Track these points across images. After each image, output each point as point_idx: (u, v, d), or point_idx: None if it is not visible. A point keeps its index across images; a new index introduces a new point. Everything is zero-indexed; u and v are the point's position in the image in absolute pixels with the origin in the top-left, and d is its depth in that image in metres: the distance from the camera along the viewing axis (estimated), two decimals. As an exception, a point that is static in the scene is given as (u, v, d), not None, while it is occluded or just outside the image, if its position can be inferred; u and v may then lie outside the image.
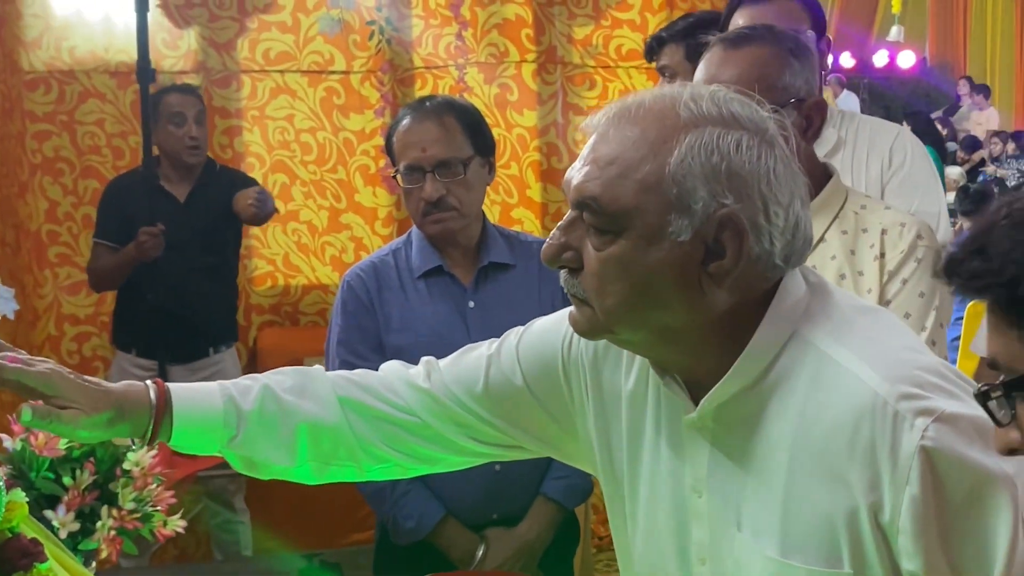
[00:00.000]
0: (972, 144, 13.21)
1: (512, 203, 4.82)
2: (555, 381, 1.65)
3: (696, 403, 1.45)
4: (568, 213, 1.43)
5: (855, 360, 1.36)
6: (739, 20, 2.68)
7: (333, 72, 4.69)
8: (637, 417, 1.56)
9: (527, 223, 4.75)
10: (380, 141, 4.64)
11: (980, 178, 11.94)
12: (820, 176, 2.20)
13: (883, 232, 2.16)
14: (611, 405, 1.60)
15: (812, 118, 2.14)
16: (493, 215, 4.56)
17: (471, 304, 2.66)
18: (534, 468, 2.67)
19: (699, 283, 1.37)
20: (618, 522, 1.65)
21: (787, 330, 1.40)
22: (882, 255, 2.14)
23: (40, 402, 1.50)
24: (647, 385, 1.55)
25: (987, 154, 12.81)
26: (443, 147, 2.60)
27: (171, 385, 1.63)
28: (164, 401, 1.60)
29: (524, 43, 4.73)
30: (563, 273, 1.45)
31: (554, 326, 1.68)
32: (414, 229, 2.72)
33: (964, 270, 1.05)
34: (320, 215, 4.77)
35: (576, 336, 1.62)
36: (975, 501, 1.29)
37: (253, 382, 1.69)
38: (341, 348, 2.66)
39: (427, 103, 2.71)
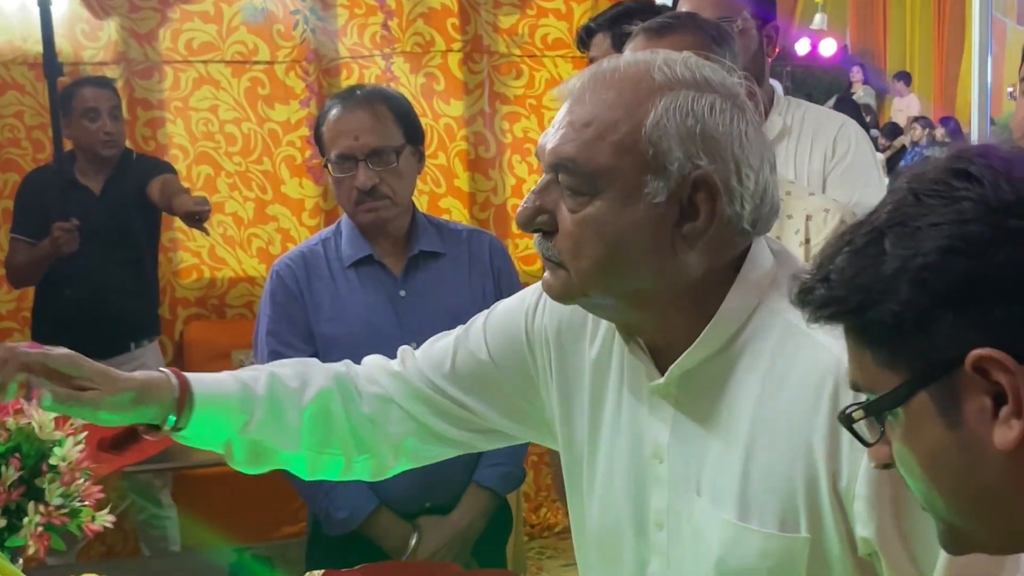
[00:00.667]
0: (893, 131, 13.40)
1: (440, 192, 4.81)
2: (520, 354, 1.67)
3: (660, 370, 1.46)
4: (543, 177, 1.43)
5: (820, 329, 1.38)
6: (683, 6, 2.70)
7: (257, 62, 4.64)
8: (599, 384, 1.57)
9: (455, 212, 4.75)
10: (306, 132, 4.61)
11: (902, 163, 12.12)
12: None
13: (808, 218, 2.18)
14: (574, 374, 1.61)
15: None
16: (421, 204, 4.52)
17: (402, 293, 2.65)
18: (467, 456, 2.66)
19: (672, 245, 1.38)
20: (575, 492, 1.65)
21: (755, 298, 1.42)
22: (807, 241, 2.17)
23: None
24: (611, 353, 1.56)
25: (908, 140, 13.01)
26: (376, 135, 2.58)
27: (187, 373, 1.65)
28: (185, 385, 1.62)
29: (450, 32, 4.72)
30: (537, 237, 1.44)
31: (518, 302, 1.70)
32: (343, 218, 2.70)
33: (813, 299, 1.05)
34: (246, 207, 4.73)
35: (540, 309, 1.65)
36: None
37: (258, 371, 1.71)
38: (271, 339, 2.64)
39: (357, 92, 2.69)
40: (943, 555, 1.29)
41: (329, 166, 2.63)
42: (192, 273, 4.77)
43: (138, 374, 1.61)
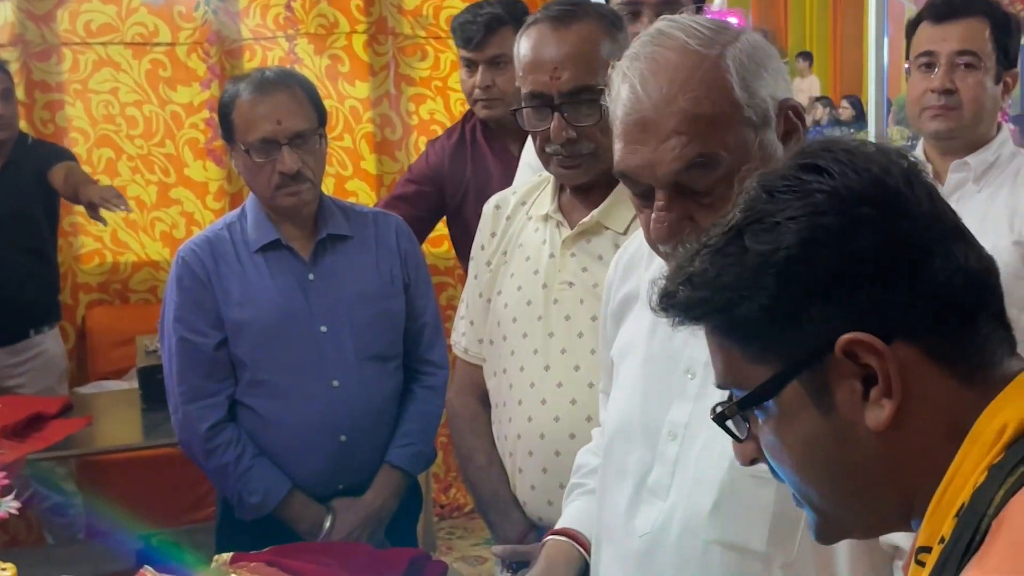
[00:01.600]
0: (794, 111, 13.56)
1: (346, 175, 4.80)
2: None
3: None
4: (658, 195, 1.47)
5: None
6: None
7: (158, 44, 4.58)
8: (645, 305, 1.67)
9: (362, 195, 4.74)
10: (208, 114, 4.56)
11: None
12: None
13: None
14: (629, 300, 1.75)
15: None
16: (328, 187, 4.51)
17: (311, 276, 2.65)
18: (378, 436, 2.69)
19: None
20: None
21: None
22: None
23: None
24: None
25: (810, 120, 13.19)
26: (298, 119, 2.58)
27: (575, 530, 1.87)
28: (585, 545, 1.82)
29: (354, 14, 4.70)
30: (669, 247, 1.47)
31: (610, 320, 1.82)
32: (248, 202, 2.68)
33: (678, 302, 1.07)
34: (148, 190, 4.67)
35: (614, 288, 1.79)
36: None
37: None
38: (178, 325, 2.62)
39: (268, 74, 2.65)
40: None
41: (248, 152, 2.57)
42: (94, 258, 4.70)
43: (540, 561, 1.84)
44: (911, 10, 6.35)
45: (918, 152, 2.80)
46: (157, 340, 4.07)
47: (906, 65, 2.80)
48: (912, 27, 2.75)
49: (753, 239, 1.02)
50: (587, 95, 2.10)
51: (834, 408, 1.02)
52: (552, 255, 2.23)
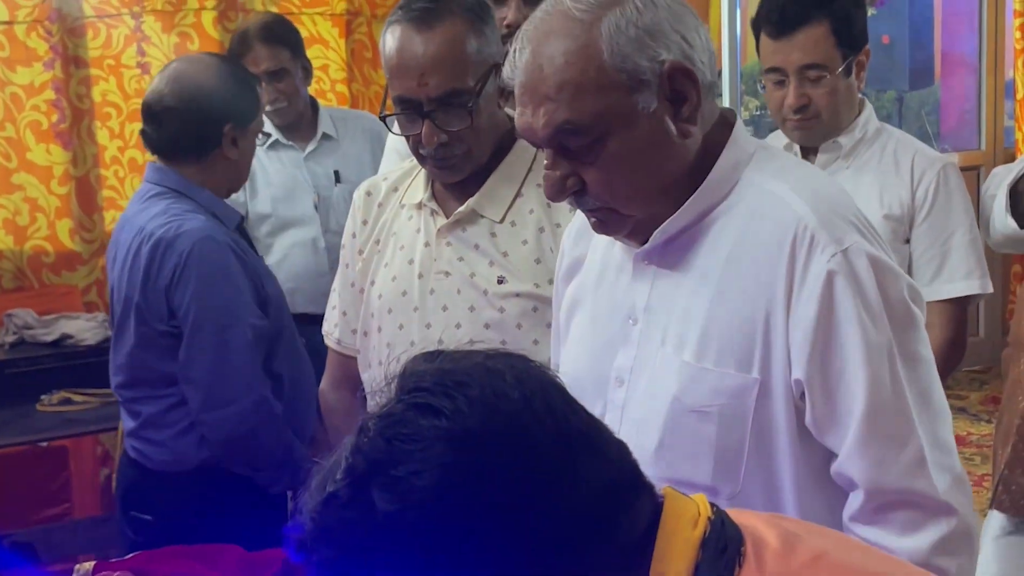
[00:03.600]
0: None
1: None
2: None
3: (641, 240, 1.61)
4: (546, 154, 1.55)
5: (790, 192, 1.55)
6: None
7: (-6, 23, 4.36)
8: (591, 262, 1.75)
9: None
10: (52, 95, 4.38)
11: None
12: (510, 134, 2.21)
13: None
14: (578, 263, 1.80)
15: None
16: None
17: None
18: None
19: (681, 133, 1.53)
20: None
21: (737, 172, 1.58)
22: None
23: None
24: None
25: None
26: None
27: None
28: None
29: (203, -10, 4.56)
30: (572, 200, 1.58)
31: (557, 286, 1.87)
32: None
33: (304, 550, 1.04)
34: (-12, 175, 4.45)
35: (565, 253, 1.84)
36: (856, 327, 1.49)
37: None
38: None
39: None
40: (861, 408, 1.49)
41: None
42: (-68, 246, 4.47)
43: None
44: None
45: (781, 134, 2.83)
46: (3, 334, 3.92)
47: (761, 86, 2.80)
48: (755, 29, 2.74)
49: (380, 495, 0.97)
50: (456, 99, 2.05)
51: None
52: (427, 244, 2.18)
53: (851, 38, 2.66)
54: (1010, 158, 5.38)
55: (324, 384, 2.43)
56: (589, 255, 1.76)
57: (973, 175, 5.50)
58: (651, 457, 1.55)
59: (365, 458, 0.99)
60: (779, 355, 1.52)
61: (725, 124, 1.61)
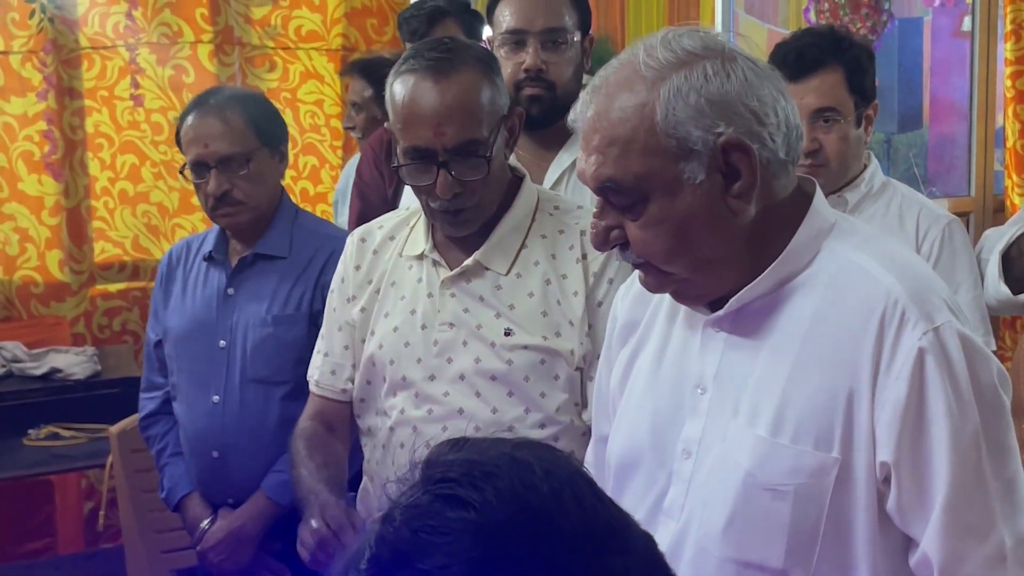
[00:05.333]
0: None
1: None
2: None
3: (714, 306, 1.56)
4: (598, 200, 1.54)
5: (876, 266, 1.50)
6: (505, 11, 2.68)
7: (-10, 52, 4.34)
8: (647, 326, 1.71)
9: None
10: (44, 126, 4.36)
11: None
12: (514, 182, 2.21)
13: (582, 233, 2.16)
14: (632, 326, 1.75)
15: (514, 128, 2.18)
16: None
17: (230, 291, 2.74)
18: (256, 459, 2.72)
19: (730, 210, 1.48)
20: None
21: (819, 241, 1.53)
22: (584, 256, 2.16)
23: None
24: (662, 298, 1.68)
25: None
26: (225, 142, 2.64)
27: None
28: None
29: (199, 23, 4.55)
30: (616, 251, 1.56)
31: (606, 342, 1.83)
32: None
33: None
34: (-22, 205, 4.42)
35: (619, 314, 1.79)
36: (945, 411, 1.42)
37: None
38: (150, 316, 2.95)
39: (211, 98, 2.73)
40: (943, 497, 1.42)
41: (186, 171, 2.70)
42: (-82, 276, 4.43)
43: None
44: (744, 19, 6.47)
45: None
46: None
47: None
48: None
49: None
50: (472, 149, 2.05)
51: None
52: (430, 294, 2.17)
53: (863, 88, 2.67)
54: (999, 204, 5.41)
55: (300, 421, 2.34)
56: (646, 320, 1.71)
57: (963, 222, 5.51)
58: (719, 535, 1.51)
59: (390, 548, 0.97)
60: (863, 435, 1.45)
61: (802, 195, 1.56)
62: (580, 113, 1.53)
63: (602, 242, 1.55)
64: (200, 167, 2.66)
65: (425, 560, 0.95)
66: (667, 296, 1.64)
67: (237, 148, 2.65)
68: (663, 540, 1.51)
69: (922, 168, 6.72)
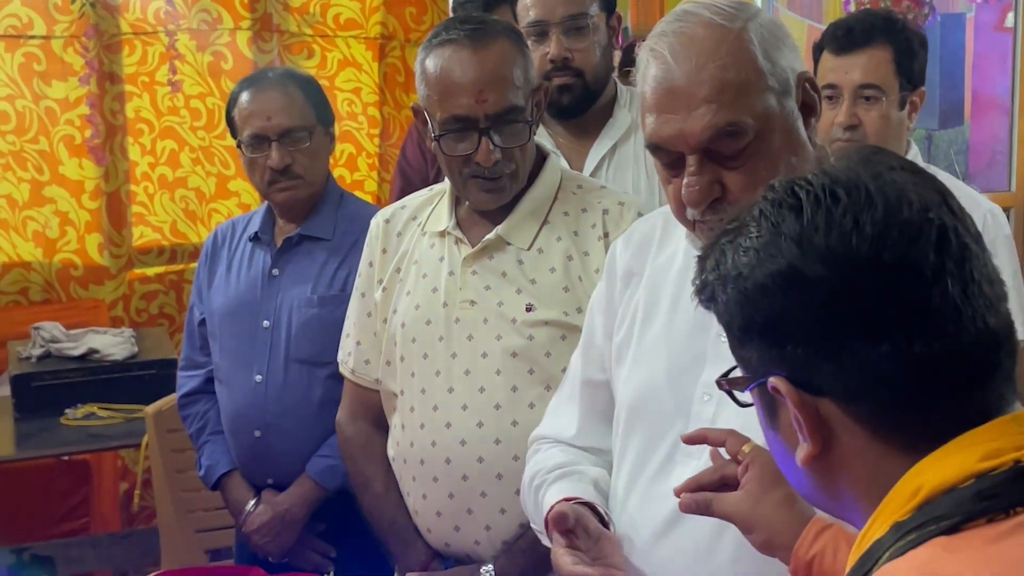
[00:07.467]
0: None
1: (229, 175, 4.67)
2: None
3: None
4: (689, 161, 1.53)
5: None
6: (527, 3, 2.72)
7: (32, 37, 4.38)
8: (660, 280, 1.73)
9: (244, 194, 4.62)
10: (86, 110, 4.41)
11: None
12: (538, 160, 2.22)
13: (604, 212, 2.17)
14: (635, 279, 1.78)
15: (540, 103, 2.19)
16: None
17: (275, 272, 2.75)
18: (298, 440, 2.71)
19: (809, 144, 1.57)
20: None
21: None
22: (606, 235, 2.16)
23: None
24: (676, 252, 1.72)
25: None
26: (287, 116, 2.67)
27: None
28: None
29: (238, 10, 4.58)
30: (698, 212, 1.55)
31: (605, 295, 1.85)
32: None
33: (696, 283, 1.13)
34: (21, 188, 4.46)
35: (617, 262, 1.82)
36: None
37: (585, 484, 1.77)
38: (193, 293, 2.95)
39: (268, 74, 2.83)
40: None
41: (242, 147, 2.71)
42: (-43, 258, 4.49)
43: None
44: (784, 14, 6.45)
45: None
46: (30, 346, 3.93)
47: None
48: (817, 51, 2.74)
49: (731, 251, 1.07)
50: (512, 115, 2.07)
51: (778, 427, 1.08)
52: (452, 272, 2.18)
53: (911, 72, 2.65)
54: (1040, 200, 5.36)
55: (341, 415, 2.41)
56: (649, 270, 1.75)
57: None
58: None
59: (756, 214, 1.07)
60: None
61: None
62: (652, 77, 1.54)
63: (703, 198, 1.54)
64: (260, 140, 2.67)
65: (746, 238, 1.06)
66: (682, 248, 1.68)
67: (299, 121, 2.68)
68: (684, 477, 1.54)
69: (963, 164, 6.67)
